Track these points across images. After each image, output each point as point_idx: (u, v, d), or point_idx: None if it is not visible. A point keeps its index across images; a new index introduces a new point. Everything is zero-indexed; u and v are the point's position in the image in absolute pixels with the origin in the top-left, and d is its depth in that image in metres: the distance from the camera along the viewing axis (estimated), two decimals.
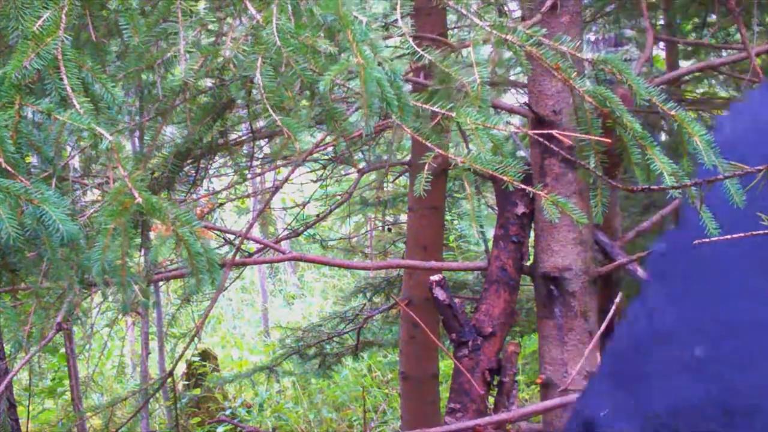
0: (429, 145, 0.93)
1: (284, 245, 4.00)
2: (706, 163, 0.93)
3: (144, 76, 1.42)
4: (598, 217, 0.98)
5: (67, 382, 5.58)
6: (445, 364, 5.62)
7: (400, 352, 4.35)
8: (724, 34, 4.53)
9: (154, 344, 6.21)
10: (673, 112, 0.95)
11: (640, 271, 2.69)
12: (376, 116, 0.87)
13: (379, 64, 0.90)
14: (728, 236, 1.09)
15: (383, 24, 3.89)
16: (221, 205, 4.81)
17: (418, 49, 0.98)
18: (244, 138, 3.80)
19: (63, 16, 1.11)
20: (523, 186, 0.86)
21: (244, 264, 3.53)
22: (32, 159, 1.33)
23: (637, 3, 4.12)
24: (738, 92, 4.42)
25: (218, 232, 3.71)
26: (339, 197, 5.13)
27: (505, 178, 0.88)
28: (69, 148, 2.47)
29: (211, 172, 3.92)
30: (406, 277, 4.23)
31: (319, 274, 11.21)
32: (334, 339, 5.28)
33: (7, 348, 3.33)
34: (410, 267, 3.92)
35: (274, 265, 11.03)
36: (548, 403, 2.66)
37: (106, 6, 1.31)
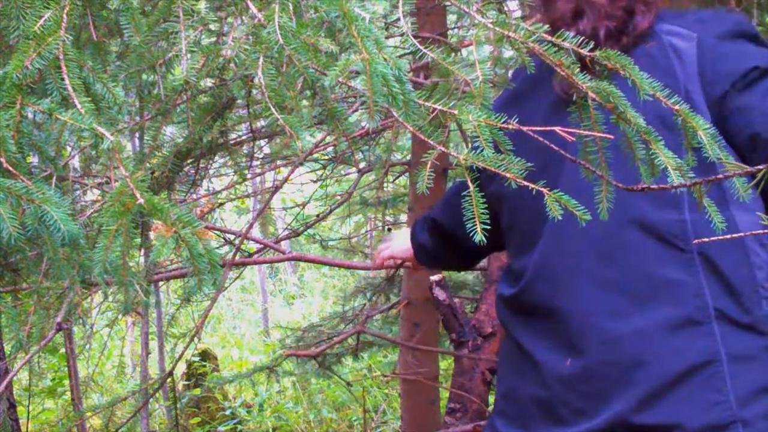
0: (430, 142, 0.93)
1: (284, 245, 4.01)
2: (711, 156, 0.93)
3: (144, 76, 1.41)
4: (602, 215, 0.98)
5: (67, 382, 5.58)
6: (445, 364, 5.62)
7: (401, 352, 4.35)
8: None
9: (154, 344, 6.21)
10: (677, 107, 0.95)
11: None
12: (380, 112, 0.87)
13: (384, 59, 0.90)
14: (728, 236, 1.08)
15: (383, 24, 3.89)
16: (221, 205, 4.81)
17: (420, 47, 0.98)
18: (244, 138, 3.79)
19: (64, 16, 1.11)
20: (526, 183, 0.86)
21: (244, 264, 3.53)
22: (32, 159, 1.33)
23: None
24: None
25: (218, 232, 3.71)
26: (339, 197, 5.13)
27: (508, 175, 0.88)
28: (69, 148, 2.47)
29: (211, 172, 3.92)
30: (406, 277, 4.23)
31: (319, 274, 11.21)
32: (334, 339, 5.27)
33: (7, 348, 3.32)
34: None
35: (274, 265, 11.03)
36: None
37: (106, 6, 1.30)
